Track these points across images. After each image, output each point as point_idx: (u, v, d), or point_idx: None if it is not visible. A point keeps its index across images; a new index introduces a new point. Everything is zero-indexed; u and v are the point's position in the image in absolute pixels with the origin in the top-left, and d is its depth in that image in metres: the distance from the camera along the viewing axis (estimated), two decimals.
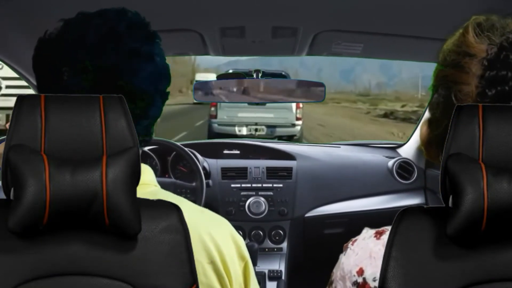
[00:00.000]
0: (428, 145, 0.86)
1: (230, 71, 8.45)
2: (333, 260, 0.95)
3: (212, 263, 0.88)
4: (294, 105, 10.15)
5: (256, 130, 10.27)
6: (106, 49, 0.88)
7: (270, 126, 10.23)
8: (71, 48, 0.88)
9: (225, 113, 10.27)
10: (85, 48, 0.87)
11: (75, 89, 0.86)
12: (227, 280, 0.90)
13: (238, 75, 1.88)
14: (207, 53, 1.94)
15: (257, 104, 9.14)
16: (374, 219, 2.33)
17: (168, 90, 0.96)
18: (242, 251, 0.95)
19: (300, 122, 10.38)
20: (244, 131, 10.21)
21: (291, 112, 10.20)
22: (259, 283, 1.01)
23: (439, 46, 0.83)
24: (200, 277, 0.82)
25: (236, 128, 10.20)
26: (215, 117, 10.39)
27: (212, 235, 0.90)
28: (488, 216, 0.68)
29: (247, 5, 1.50)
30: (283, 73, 9.81)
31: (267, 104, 9.44)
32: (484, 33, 0.76)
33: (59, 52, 0.89)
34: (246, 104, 9.53)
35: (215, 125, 10.38)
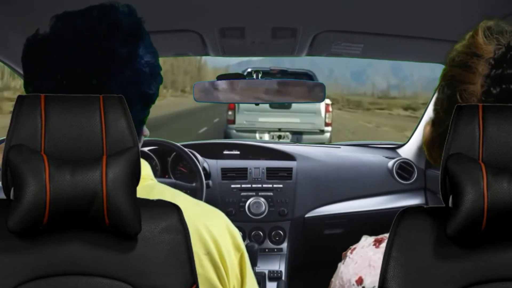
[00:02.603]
0: (430, 145, 0.85)
1: (249, 69, 7.31)
2: (333, 260, 0.95)
3: (209, 254, 0.89)
4: (323, 108, 8.63)
5: (279, 137, 8.79)
6: (81, 50, 0.85)
7: (296, 133, 8.77)
8: (47, 48, 0.86)
9: (244, 118, 8.77)
10: (60, 49, 0.85)
11: (52, 91, 0.82)
12: (223, 271, 0.90)
13: (238, 76, 1.87)
14: (207, 54, 1.94)
15: (280, 107, 8.27)
16: (374, 219, 2.33)
17: (159, 89, 0.93)
18: (238, 242, 0.95)
19: (329, 128, 8.91)
20: (266, 138, 8.76)
21: (319, 117, 8.72)
22: (259, 283, 1.01)
23: (438, 46, 0.83)
24: (197, 268, 0.82)
25: (257, 135, 8.74)
26: (233, 122, 8.84)
27: (208, 226, 0.90)
28: (488, 216, 0.68)
29: (246, 6, 1.50)
30: (309, 72, 8.34)
31: (292, 108, 8.36)
32: (493, 35, 0.77)
33: (37, 52, 0.87)
34: (268, 107, 8.28)
35: (233, 131, 8.78)
